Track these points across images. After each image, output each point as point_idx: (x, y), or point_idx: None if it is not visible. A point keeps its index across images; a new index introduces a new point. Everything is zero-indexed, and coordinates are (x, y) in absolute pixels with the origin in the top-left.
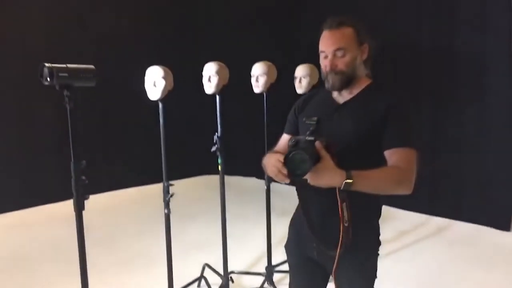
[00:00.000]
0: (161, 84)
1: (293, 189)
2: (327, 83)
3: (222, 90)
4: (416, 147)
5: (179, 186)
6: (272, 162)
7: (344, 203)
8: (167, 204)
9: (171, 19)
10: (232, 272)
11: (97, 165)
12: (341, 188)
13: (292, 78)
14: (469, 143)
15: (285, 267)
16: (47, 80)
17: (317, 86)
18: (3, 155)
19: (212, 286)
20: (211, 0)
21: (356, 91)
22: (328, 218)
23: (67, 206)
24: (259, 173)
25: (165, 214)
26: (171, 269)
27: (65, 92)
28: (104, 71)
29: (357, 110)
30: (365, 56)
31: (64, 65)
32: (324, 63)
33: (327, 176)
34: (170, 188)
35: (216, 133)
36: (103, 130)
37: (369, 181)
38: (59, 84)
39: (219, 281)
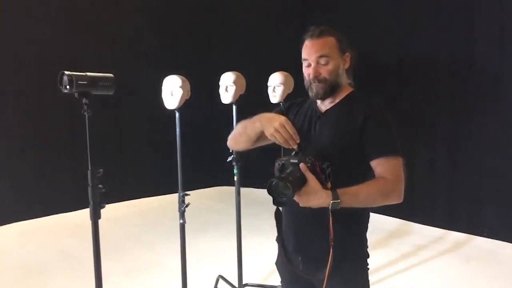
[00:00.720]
0: (178, 93)
1: None
2: (311, 91)
3: (239, 99)
4: (401, 154)
5: (193, 196)
6: (277, 126)
7: (331, 222)
8: (182, 214)
9: (186, 29)
10: (246, 284)
11: (112, 175)
12: (330, 208)
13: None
14: (488, 157)
15: None
16: (66, 88)
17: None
18: (19, 165)
19: None
20: (227, 9)
21: (338, 99)
22: (311, 238)
23: (78, 216)
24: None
25: (180, 224)
26: (186, 279)
27: (84, 100)
28: (120, 80)
29: (337, 119)
30: (347, 65)
31: (83, 73)
32: (307, 71)
33: (313, 199)
34: (186, 198)
35: None
36: (118, 139)
37: (356, 198)
38: (78, 92)
39: None
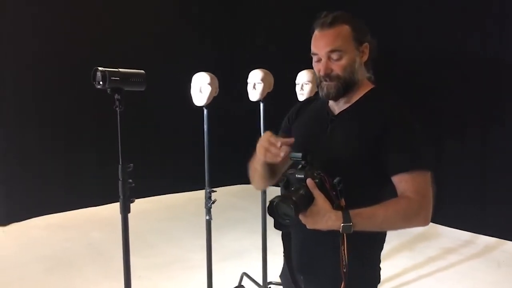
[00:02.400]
0: (207, 90)
1: None
2: (321, 90)
3: (266, 97)
4: (429, 167)
5: (218, 193)
6: (263, 142)
7: (343, 247)
8: (208, 211)
9: (216, 26)
10: (270, 283)
11: (140, 170)
12: (340, 231)
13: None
14: None
15: None
16: (99, 83)
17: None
18: (50, 159)
19: None
20: (256, 5)
21: (354, 99)
22: (317, 258)
23: (106, 210)
24: None
25: (206, 220)
26: (211, 275)
27: (116, 96)
28: (151, 76)
29: (352, 123)
30: (365, 57)
31: (116, 69)
32: (317, 67)
33: (321, 220)
34: (212, 194)
35: None
36: (147, 135)
37: (372, 221)
38: (111, 88)
39: None
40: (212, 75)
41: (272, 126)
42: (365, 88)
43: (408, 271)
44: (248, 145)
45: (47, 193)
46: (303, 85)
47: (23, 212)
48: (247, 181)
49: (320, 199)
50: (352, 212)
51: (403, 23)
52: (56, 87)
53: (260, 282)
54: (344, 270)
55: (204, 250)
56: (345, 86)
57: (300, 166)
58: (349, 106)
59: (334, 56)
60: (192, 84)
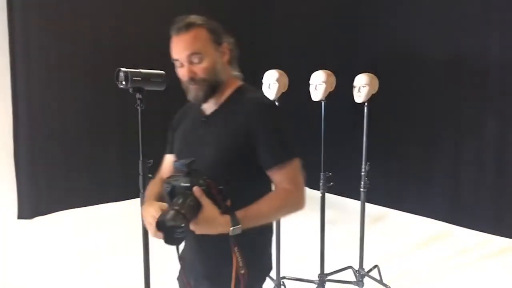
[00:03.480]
0: None
1: (347, 201)
2: (190, 94)
3: (281, 97)
4: (296, 154)
5: None
6: (147, 217)
7: (236, 248)
8: None
9: (231, 27)
10: (284, 277)
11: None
12: (230, 235)
13: (351, 86)
14: None
15: (338, 276)
16: (122, 83)
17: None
18: (73, 155)
19: None
20: (271, 7)
21: (222, 98)
22: (207, 255)
23: (126, 205)
24: (311, 182)
25: None
26: None
27: (137, 95)
28: (170, 76)
29: (221, 123)
30: (227, 57)
31: (138, 70)
32: (181, 72)
33: (211, 227)
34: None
35: None
36: (165, 133)
37: (259, 218)
38: (133, 88)
39: (271, 285)
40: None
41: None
42: (232, 86)
43: (421, 270)
44: None
45: (71, 187)
46: (317, 85)
47: (47, 206)
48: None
49: (208, 207)
50: (239, 214)
51: (421, 24)
52: (81, 86)
53: (274, 277)
54: (242, 272)
55: None
56: (211, 88)
57: (184, 172)
58: (218, 107)
59: (195, 59)
60: None
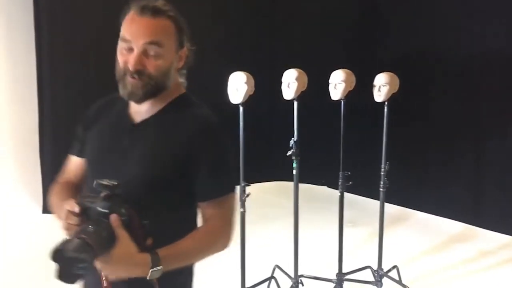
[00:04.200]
0: (243, 88)
1: (366, 200)
2: (123, 88)
3: (300, 96)
4: (234, 188)
5: (252, 189)
6: (63, 216)
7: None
8: (242, 203)
9: (249, 26)
10: (302, 275)
11: None
12: (148, 278)
13: (371, 85)
14: None
15: (356, 275)
16: None
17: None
18: None
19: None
20: (290, 6)
21: (160, 105)
22: None
23: None
24: (330, 181)
25: (241, 212)
26: (244, 265)
27: None
28: (189, 75)
29: (153, 138)
30: (181, 63)
31: None
32: (125, 57)
33: (124, 267)
34: (246, 188)
35: (293, 138)
36: None
37: (183, 258)
38: None
39: (288, 283)
40: (248, 74)
41: (305, 124)
42: (175, 93)
43: (441, 271)
44: (282, 143)
45: None
46: (336, 84)
47: None
48: (280, 178)
49: (124, 241)
50: (162, 252)
51: (444, 22)
52: (103, 85)
53: (292, 275)
54: None
55: (237, 242)
56: (154, 90)
57: (104, 194)
58: (154, 115)
59: (152, 51)
60: (229, 83)
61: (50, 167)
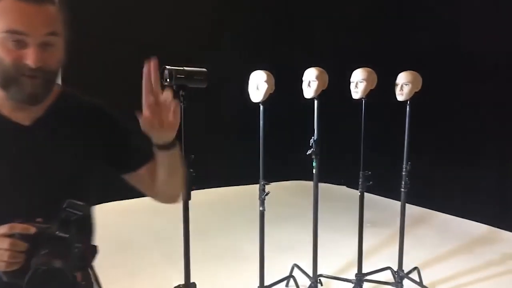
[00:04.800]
0: (263, 87)
1: (387, 201)
2: (19, 91)
3: (321, 94)
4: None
5: (271, 188)
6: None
7: None
8: (262, 202)
9: (269, 24)
10: (321, 275)
11: (199, 162)
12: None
13: (393, 84)
14: None
15: (375, 276)
16: (166, 81)
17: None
18: None
19: (300, 287)
20: (312, 4)
21: (47, 103)
22: None
23: None
24: (350, 181)
25: (260, 211)
26: (263, 264)
27: (181, 92)
28: (212, 73)
29: (60, 135)
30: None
31: (181, 68)
32: (18, 53)
33: None
34: (266, 187)
35: (313, 137)
36: (207, 129)
37: None
38: (177, 85)
39: (307, 282)
40: (269, 73)
41: (326, 123)
42: (56, 90)
43: (465, 273)
44: (301, 142)
45: (113, 181)
46: (358, 83)
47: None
48: (300, 177)
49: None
50: None
51: (470, 20)
52: (127, 84)
53: (310, 274)
54: None
55: (256, 242)
56: (51, 87)
57: (64, 216)
58: (45, 112)
59: (50, 42)
60: (249, 81)
61: None
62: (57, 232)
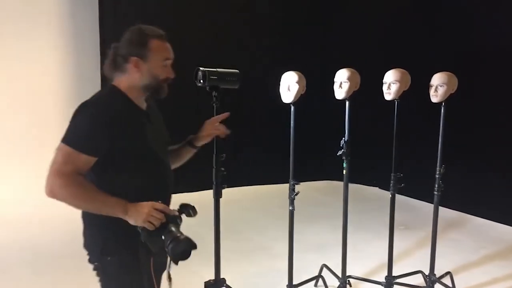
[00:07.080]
0: (294, 88)
1: (420, 203)
2: (161, 91)
3: (352, 95)
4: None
5: (302, 188)
6: (151, 211)
7: None
8: (292, 201)
9: (302, 25)
10: (350, 276)
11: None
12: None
13: (427, 85)
14: None
15: (406, 280)
16: (200, 82)
17: (108, 98)
18: None
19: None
20: (343, 6)
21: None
22: None
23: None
24: (382, 183)
25: (290, 210)
26: (292, 263)
27: (214, 93)
28: (244, 74)
29: (157, 117)
30: None
31: (214, 69)
32: (167, 70)
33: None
34: (296, 187)
35: (344, 138)
36: (239, 129)
37: None
38: (210, 86)
39: (336, 283)
40: (300, 74)
41: (356, 124)
42: None
43: (498, 281)
44: (332, 143)
45: None
46: (391, 84)
47: None
48: (331, 177)
49: None
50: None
51: (507, 19)
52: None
53: (339, 275)
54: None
55: (286, 240)
56: None
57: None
58: (147, 104)
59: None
60: (281, 82)
61: None
62: (178, 220)
